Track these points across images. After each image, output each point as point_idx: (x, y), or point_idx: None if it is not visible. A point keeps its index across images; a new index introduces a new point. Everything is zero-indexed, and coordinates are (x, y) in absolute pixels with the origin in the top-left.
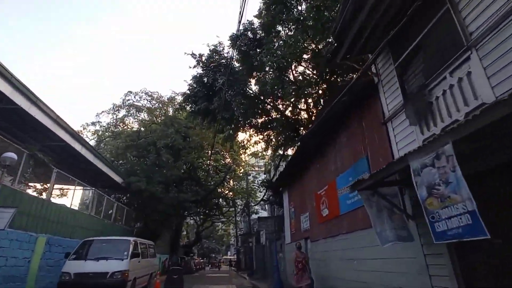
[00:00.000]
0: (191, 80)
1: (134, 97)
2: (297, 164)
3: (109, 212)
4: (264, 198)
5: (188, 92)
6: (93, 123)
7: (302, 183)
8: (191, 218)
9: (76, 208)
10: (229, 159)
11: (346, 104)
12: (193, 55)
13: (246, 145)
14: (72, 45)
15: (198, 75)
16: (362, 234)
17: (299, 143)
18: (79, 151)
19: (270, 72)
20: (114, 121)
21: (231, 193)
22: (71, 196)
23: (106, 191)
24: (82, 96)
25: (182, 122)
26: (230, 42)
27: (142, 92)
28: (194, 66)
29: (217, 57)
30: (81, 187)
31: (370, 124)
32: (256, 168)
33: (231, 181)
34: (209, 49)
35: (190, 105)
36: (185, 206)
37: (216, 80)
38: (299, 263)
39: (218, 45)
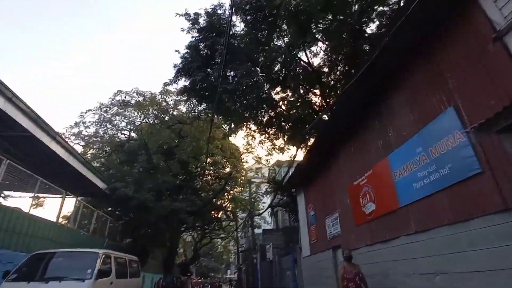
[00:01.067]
0: (184, 50)
1: (125, 97)
2: (319, 153)
3: (93, 224)
4: (272, 203)
5: (180, 65)
6: (76, 124)
7: (326, 176)
8: (188, 233)
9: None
10: (229, 168)
11: (413, 28)
12: (186, 15)
13: (248, 147)
14: (72, 45)
15: (193, 41)
16: (451, 231)
17: (327, 115)
18: (47, 145)
19: (282, 47)
20: (101, 121)
21: (231, 205)
22: (34, 201)
23: (89, 201)
24: (82, 96)
25: (177, 116)
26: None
27: (133, 92)
28: (188, 30)
29: (216, 21)
30: (51, 194)
31: (462, 53)
32: (259, 175)
33: (232, 192)
34: (207, 11)
35: (183, 79)
36: (180, 217)
37: (215, 49)
38: (350, 281)
39: (218, 7)
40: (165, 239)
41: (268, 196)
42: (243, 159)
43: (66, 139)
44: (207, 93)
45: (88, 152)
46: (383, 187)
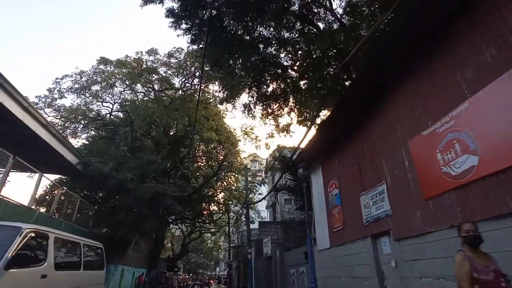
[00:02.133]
0: None
1: (111, 67)
2: (352, 107)
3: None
4: (277, 186)
5: None
6: (50, 91)
7: (362, 138)
8: (177, 226)
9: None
10: (223, 154)
11: None
12: None
13: (246, 129)
14: (72, 44)
15: None
16: None
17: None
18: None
19: None
20: (80, 90)
21: (224, 196)
22: None
23: (63, 183)
24: (60, 63)
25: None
26: None
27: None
28: None
29: None
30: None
31: None
32: (255, 165)
33: (225, 180)
34: None
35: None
36: (166, 204)
37: None
38: (488, 285)
39: None
40: (149, 228)
41: (265, 185)
42: (239, 143)
43: (39, 110)
44: (200, 14)
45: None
46: (497, 126)
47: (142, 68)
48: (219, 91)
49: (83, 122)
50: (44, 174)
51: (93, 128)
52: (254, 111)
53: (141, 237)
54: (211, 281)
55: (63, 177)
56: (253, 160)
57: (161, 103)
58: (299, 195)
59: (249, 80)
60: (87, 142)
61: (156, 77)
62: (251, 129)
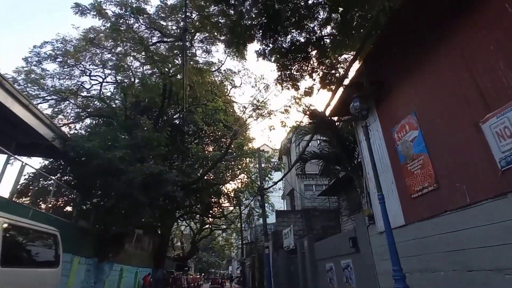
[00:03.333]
0: None
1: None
2: None
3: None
4: (305, 153)
5: None
6: (27, 61)
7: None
8: (185, 222)
9: None
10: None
11: None
12: None
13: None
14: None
15: None
16: None
17: None
18: None
19: None
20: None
21: (234, 187)
22: None
23: (47, 168)
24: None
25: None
26: None
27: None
28: None
29: None
30: None
31: None
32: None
33: (235, 167)
34: None
35: None
36: (167, 190)
37: None
38: None
39: None
40: (146, 219)
41: (281, 170)
42: (249, 125)
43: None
44: None
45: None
46: None
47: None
48: (221, 34)
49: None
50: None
51: (86, 115)
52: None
53: (145, 232)
54: (225, 281)
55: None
56: (264, 150)
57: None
58: (336, 162)
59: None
60: (84, 133)
61: (143, 22)
62: (264, 103)
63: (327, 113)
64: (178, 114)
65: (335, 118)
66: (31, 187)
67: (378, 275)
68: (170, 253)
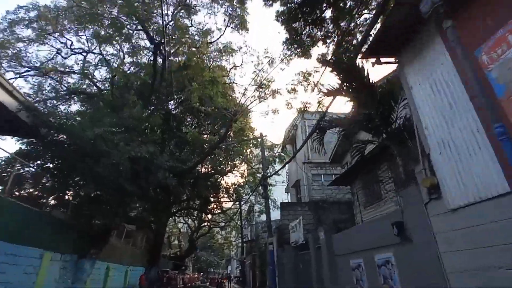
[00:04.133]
0: None
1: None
2: None
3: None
4: (324, 119)
5: None
6: None
7: None
8: (182, 220)
9: None
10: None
11: None
12: None
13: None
14: None
15: None
16: None
17: None
18: None
19: None
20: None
21: (234, 179)
22: None
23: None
24: None
25: None
26: None
27: None
28: None
29: None
30: None
31: None
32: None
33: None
34: None
35: None
36: (158, 177)
37: None
38: None
39: None
40: (134, 211)
41: (285, 158)
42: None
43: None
44: None
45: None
46: None
47: None
48: None
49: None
50: None
51: (67, 93)
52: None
53: (137, 228)
54: (225, 280)
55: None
56: (266, 138)
57: None
58: (367, 128)
59: None
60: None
61: None
62: (268, 80)
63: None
64: (173, 99)
65: (366, 68)
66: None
67: (448, 274)
68: (166, 252)
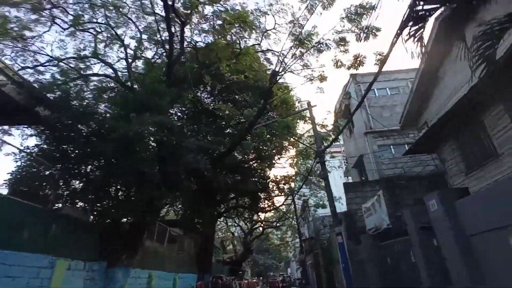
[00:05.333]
0: None
1: None
2: None
3: None
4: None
5: None
6: None
7: None
8: (233, 222)
9: None
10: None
11: None
12: None
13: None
14: None
15: None
16: None
17: None
18: None
19: None
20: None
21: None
22: None
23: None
24: None
25: None
26: None
27: None
28: None
29: None
30: None
31: None
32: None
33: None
34: None
35: None
36: (187, 160)
37: None
38: None
39: None
40: (159, 203)
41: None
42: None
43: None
44: None
45: None
46: None
47: None
48: None
49: None
50: None
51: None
52: None
53: (184, 231)
54: (286, 285)
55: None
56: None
57: None
58: None
59: None
60: None
61: None
62: (309, 35)
63: None
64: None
65: None
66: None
67: None
68: (221, 257)
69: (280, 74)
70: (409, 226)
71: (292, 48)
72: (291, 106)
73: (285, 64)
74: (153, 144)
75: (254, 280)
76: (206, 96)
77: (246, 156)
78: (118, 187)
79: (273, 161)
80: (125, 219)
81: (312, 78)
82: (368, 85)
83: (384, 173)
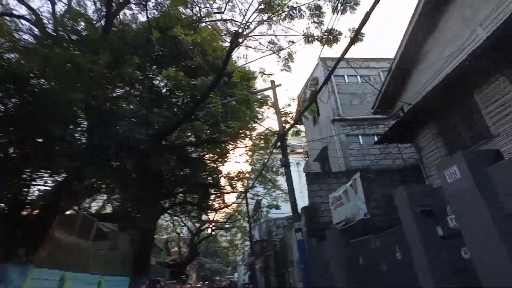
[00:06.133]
0: None
1: None
2: None
3: None
4: None
5: None
6: None
7: None
8: (180, 221)
9: None
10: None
11: None
12: None
13: None
14: None
15: None
16: None
17: None
18: None
19: None
20: None
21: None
22: None
23: None
24: None
25: None
26: None
27: None
28: None
29: None
30: None
31: None
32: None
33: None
34: None
35: None
36: (116, 130)
37: None
38: None
39: None
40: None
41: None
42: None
43: None
44: None
45: None
46: None
47: None
48: None
49: None
50: None
51: None
52: None
53: (119, 226)
54: None
55: None
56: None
57: None
58: None
59: None
60: None
61: None
62: None
63: None
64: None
65: None
66: None
67: None
68: (163, 258)
69: (243, 36)
70: (402, 211)
71: (259, 12)
72: (252, 84)
73: (250, 29)
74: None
75: (199, 285)
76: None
77: (197, 139)
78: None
79: (228, 152)
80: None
81: (279, 50)
82: (336, 61)
83: (351, 165)
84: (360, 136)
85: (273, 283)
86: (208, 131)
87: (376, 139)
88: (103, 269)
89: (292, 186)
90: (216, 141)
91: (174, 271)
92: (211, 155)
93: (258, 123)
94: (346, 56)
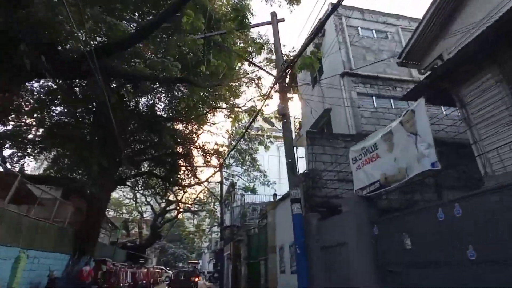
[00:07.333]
0: None
1: None
2: None
3: None
4: None
5: None
6: None
7: None
8: (144, 199)
9: None
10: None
11: None
12: None
13: None
14: None
15: None
16: None
17: None
18: None
19: None
20: None
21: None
22: None
23: None
24: None
25: None
26: None
27: None
28: None
29: None
30: None
31: None
32: None
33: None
34: None
35: None
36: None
37: None
38: None
39: None
40: None
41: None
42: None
43: None
44: None
45: None
46: None
47: None
48: None
49: None
50: None
51: None
52: None
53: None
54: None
55: None
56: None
57: None
58: None
59: None
60: None
61: None
62: None
63: None
64: None
65: None
66: None
67: None
68: (117, 238)
69: None
70: None
71: None
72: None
73: None
74: None
75: (157, 271)
76: None
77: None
78: None
79: (206, 112)
80: None
81: None
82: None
83: (363, 129)
84: (373, 97)
85: (243, 272)
86: (182, 72)
87: (392, 103)
88: (27, 241)
89: (291, 137)
90: (191, 82)
91: (132, 254)
92: (184, 115)
93: (250, 61)
94: (361, 6)
